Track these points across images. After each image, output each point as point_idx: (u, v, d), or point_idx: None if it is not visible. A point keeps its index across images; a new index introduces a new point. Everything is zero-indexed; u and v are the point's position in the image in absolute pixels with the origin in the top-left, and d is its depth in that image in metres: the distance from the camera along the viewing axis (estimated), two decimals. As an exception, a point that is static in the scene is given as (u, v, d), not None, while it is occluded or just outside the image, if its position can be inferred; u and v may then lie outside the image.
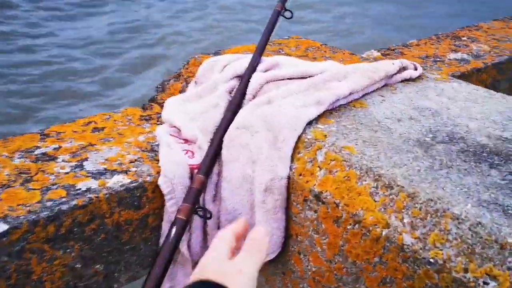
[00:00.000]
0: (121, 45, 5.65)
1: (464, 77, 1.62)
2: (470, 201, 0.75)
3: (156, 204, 1.01)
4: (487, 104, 1.10)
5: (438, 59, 1.73)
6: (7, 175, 0.97)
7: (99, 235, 0.95)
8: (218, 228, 1.05)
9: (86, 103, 4.31)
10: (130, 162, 1.03)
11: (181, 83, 1.35)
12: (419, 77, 1.25)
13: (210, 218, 0.98)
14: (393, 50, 1.83)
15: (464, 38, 1.98)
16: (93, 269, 0.97)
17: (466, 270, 0.68)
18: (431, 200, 0.76)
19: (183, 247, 1.01)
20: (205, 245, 1.06)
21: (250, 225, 0.96)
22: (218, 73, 1.22)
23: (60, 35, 6.00)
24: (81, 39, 5.80)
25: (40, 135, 1.12)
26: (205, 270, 0.63)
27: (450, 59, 1.73)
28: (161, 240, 1.04)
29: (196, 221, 1.02)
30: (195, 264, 1.07)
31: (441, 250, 0.71)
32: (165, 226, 1.02)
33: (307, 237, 0.93)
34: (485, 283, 0.66)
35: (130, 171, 1.00)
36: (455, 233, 0.72)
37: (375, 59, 1.65)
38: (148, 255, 1.04)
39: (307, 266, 0.95)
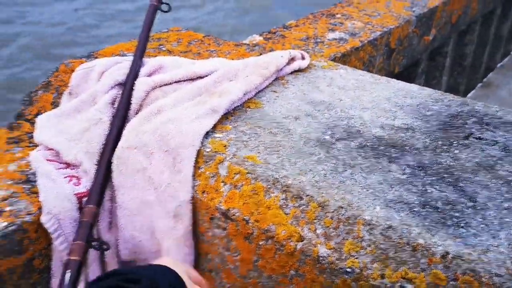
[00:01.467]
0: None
1: (345, 57, 1.65)
2: (378, 203, 0.75)
3: (41, 244, 0.88)
4: (375, 91, 1.12)
5: (319, 40, 1.75)
6: None
7: (-25, 295, 0.80)
8: (118, 257, 0.95)
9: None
10: (3, 200, 0.88)
11: (52, 93, 1.19)
12: (307, 66, 1.24)
13: (107, 249, 0.89)
14: (274, 33, 1.81)
15: (339, 16, 2.03)
16: (-26, 334, 0.82)
17: (382, 276, 0.68)
18: (342, 207, 0.75)
19: (79, 286, 0.90)
20: (106, 278, 0.96)
21: (154, 251, 0.89)
22: (95, 81, 1.09)
23: None
24: None
25: None
26: None
27: (329, 40, 1.76)
28: (53, 282, 0.92)
29: (92, 254, 0.91)
30: (96, 299, 0.96)
31: (356, 258, 0.71)
32: (55, 267, 0.90)
33: (218, 255, 0.88)
34: (402, 287, 0.67)
35: (4, 211, 0.85)
36: (368, 239, 0.71)
37: (258, 45, 1.62)
38: (40, 300, 0.92)
39: (220, 283, 0.90)
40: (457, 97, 1.12)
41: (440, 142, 0.92)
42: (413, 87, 1.16)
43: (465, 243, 0.68)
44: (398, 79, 1.32)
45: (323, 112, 1.02)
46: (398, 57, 2.08)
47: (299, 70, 1.21)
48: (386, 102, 1.07)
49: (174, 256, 0.88)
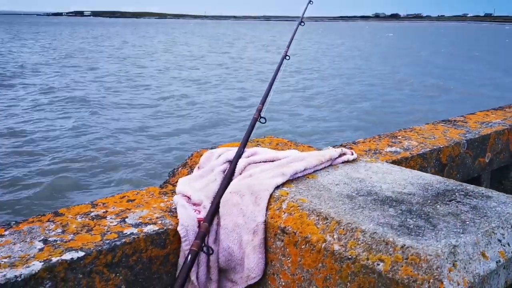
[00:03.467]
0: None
1: (395, 163, 2.17)
2: (372, 223, 1.25)
3: (175, 245, 1.47)
4: (397, 175, 1.64)
5: (378, 152, 2.30)
6: (75, 227, 1.44)
7: (138, 265, 1.40)
8: (217, 263, 1.50)
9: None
10: (157, 218, 1.51)
11: (187, 169, 1.87)
12: (355, 160, 1.79)
13: (212, 253, 1.45)
14: (344, 146, 2.40)
15: (399, 137, 2.58)
16: (132, 291, 1.40)
17: (367, 259, 1.16)
18: (349, 223, 1.26)
19: (193, 276, 1.45)
20: (208, 276, 1.50)
21: (240, 258, 1.43)
22: (214, 160, 1.75)
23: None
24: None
25: (91, 205, 1.61)
26: None
27: (386, 152, 2.30)
28: (177, 273, 1.48)
29: (202, 258, 1.48)
30: (201, 291, 1.50)
31: (354, 249, 1.20)
32: (180, 261, 1.47)
33: (278, 261, 1.39)
34: (377, 264, 1.14)
35: (157, 223, 1.48)
36: (362, 239, 1.20)
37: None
38: (168, 284, 1.48)
39: (279, 282, 1.40)
40: (460, 182, 1.59)
41: (429, 201, 1.40)
42: (427, 175, 1.65)
43: (417, 241, 1.14)
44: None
45: (356, 182, 1.55)
46: (451, 171, 2.53)
47: (348, 161, 1.77)
48: (402, 181, 1.58)
49: (251, 260, 1.41)
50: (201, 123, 10.98)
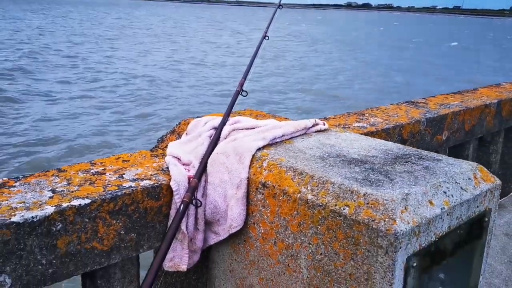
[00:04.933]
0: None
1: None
2: (340, 177, 1.47)
3: (167, 198, 1.66)
4: (363, 142, 1.87)
5: (347, 126, 2.54)
6: (78, 181, 1.61)
7: (135, 214, 1.58)
8: (204, 215, 1.70)
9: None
10: (151, 175, 1.70)
11: (175, 136, 2.05)
12: (327, 130, 2.02)
13: (200, 206, 1.65)
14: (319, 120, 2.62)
15: (367, 115, 2.83)
16: (130, 236, 1.59)
17: (335, 205, 1.39)
18: (321, 177, 1.48)
19: (183, 226, 1.65)
20: (196, 227, 1.71)
21: (223, 210, 1.64)
22: (201, 127, 1.94)
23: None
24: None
25: (90, 164, 1.78)
26: None
27: (354, 126, 2.54)
28: (169, 223, 1.68)
29: (192, 210, 1.68)
30: (190, 240, 1.70)
31: (325, 198, 1.42)
32: (172, 212, 1.67)
33: (258, 212, 1.61)
34: (343, 209, 1.37)
35: (152, 178, 1.67)
36: (331, 189, 1.43)
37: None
38: (160, 232, 1.67)
39: (259, 230, 1.62)
40: (416, 149, 1.83)
41: (388, 162, 1.63)
42: (389, 143, 1.89)
43: (376, 190, 1.37)
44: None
45: (327, 147, 1.77)
46: (411, 146, 2.79)
47: (321, 131, 2.00)
48: (367, 147, 1.81)
49: (234, 211, 1.62)
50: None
